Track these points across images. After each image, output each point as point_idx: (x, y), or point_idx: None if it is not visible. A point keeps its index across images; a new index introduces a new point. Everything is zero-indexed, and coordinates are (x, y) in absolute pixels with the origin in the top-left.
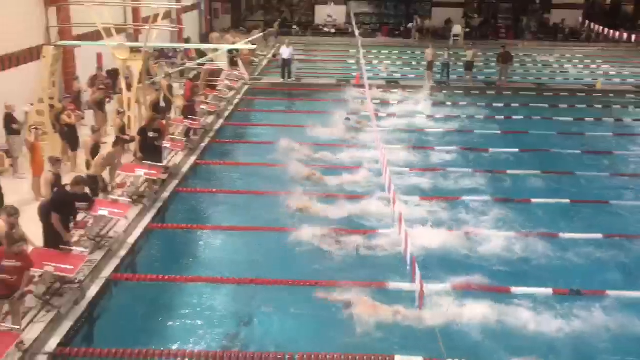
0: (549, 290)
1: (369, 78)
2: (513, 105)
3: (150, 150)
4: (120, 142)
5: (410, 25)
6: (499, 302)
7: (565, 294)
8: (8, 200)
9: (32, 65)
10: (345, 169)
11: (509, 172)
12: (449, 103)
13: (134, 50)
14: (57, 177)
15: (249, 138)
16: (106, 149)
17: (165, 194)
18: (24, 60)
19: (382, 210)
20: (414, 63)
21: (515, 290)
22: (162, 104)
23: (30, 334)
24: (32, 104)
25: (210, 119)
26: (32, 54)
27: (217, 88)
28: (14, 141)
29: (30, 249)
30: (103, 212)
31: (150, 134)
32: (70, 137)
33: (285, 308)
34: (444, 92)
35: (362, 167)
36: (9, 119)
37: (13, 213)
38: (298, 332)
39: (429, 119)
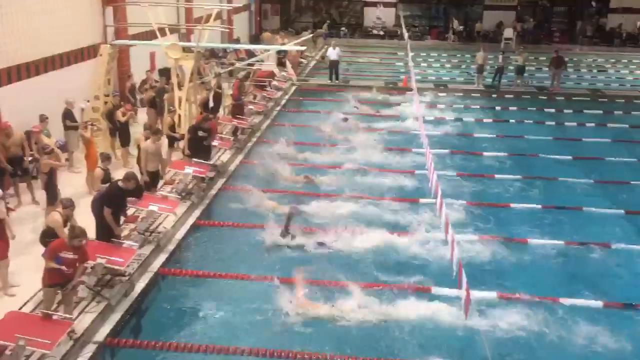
0: (599, 303)
1: (416, 81)
2: (566, 111)
3: (199, 148)
4: (159, 133)
5: (460, 28)
6: (547, 313)
7: (618, 308)
8: (63, 193)
9: (90, 63)
10: (393, 172)
11: (560, 179)
12: (498, 108)
13: (186, 50)
14: (107, 173)
15: (295, 139)
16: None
17: (212, 192)
18: (81, 58)
19: (429, 215)
20: (463, 66)
21: (564, 301)
22: (212, 103)
23: (81, 324)
24: (88, 101)
25: (257, 118)
26: (89, 52)
27: (265, 88)
28: (71, 136)
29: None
30: (153, 207)
31: (200, 133)
32: (122, 133)
33: (329, 309)
34: (494, 96)
35: (408, 171)
36: (68, 115)
37: (68, 205)
38: (343, 334)
39: (477, 123)
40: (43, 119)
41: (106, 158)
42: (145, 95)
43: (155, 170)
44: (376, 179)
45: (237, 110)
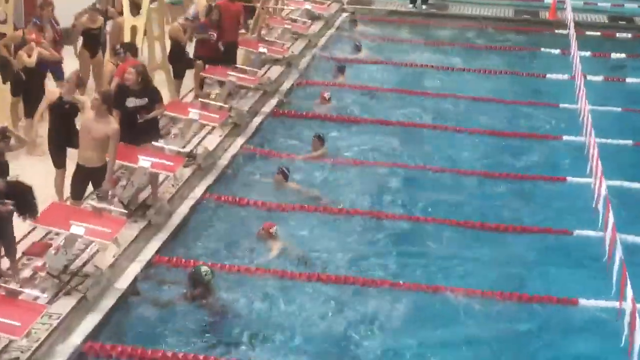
0: None
1: (575, 9)
2: None
3: (130, 126)
4: (106, 98)
5: None
6: None
7: None
8: None
9: None
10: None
11: None
12: None
13: None
14: (1, 160)
15: (340, 111)
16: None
17: (183, 208)
18: None
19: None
20: None
21: None
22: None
23: None
24: None
25: (274, 71)
26: None
27: (287, 17)
28: None
29: None
30: (77, 230)
31: (132, 101)
32: (27, 91)
33: None
34: None
35: (554, 178)
36: None
37: None
38: None
39: None
40: None
41: (2, 134)
42: (74, 24)
43: (97, 166)
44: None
45: (226, 51)
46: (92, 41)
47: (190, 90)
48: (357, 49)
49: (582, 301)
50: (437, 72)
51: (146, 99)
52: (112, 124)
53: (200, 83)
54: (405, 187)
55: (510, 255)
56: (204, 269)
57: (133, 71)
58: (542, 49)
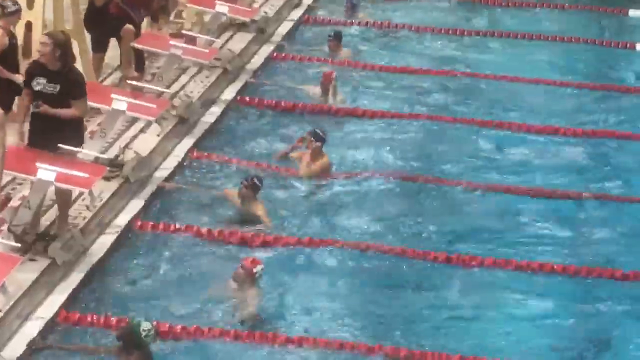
0: None
1: None
2: None
3: (41, 122)
4: None
5: None
6: None
7: None
8: None
9: None
10: None
11: None
12: None
13: None
14: None
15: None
16: None
17: (104, 240)
18: None
19: None
20: None
21: None
22: None
23: None
24: None
25: (238, 40)
26: None
27: None
28: None
29: None
30: None
31: (40, 83)
32: None
33: None
34: None
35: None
36: None
37: None
38: None
39: None
40: None
41: None
42: None
43: None
44: None
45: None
46: None
47: (116, 69)
48: (353, 9)
49: None
50: (477, 40)
51: (58, 87)
52: None
53: (138, 58)
54: (436, 211)
55: None
56: (144, 325)
57: (50, 42)
58: (630, 11)
